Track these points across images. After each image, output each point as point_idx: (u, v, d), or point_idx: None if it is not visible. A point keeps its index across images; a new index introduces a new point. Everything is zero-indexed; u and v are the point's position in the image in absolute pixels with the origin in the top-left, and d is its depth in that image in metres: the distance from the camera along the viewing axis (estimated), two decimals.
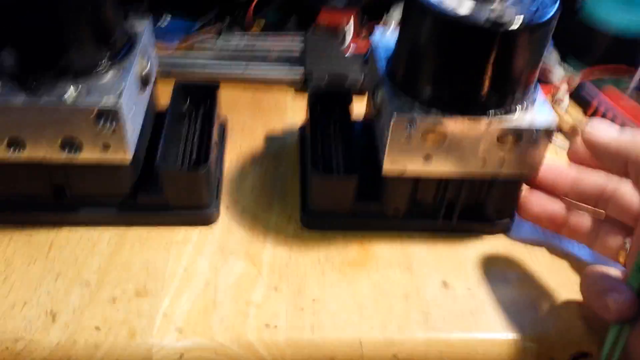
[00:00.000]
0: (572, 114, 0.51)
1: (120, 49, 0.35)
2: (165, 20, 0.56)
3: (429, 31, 0.32)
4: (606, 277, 0.32)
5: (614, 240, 0.35)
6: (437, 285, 0.36)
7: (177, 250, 0.37)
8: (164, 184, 0.36)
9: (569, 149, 0.37)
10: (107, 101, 0.31)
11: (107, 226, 0.37)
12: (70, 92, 0.31)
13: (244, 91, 0.51)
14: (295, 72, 0.51)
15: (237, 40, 0.53)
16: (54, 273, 0.35)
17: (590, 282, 0.32)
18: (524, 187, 0.38)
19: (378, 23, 0.58)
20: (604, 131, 0.33)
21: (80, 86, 0.32)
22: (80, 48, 0.33)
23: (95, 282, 0.34)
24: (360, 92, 0.49)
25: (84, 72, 0.33)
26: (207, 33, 0.54)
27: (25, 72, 0.32)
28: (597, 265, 0.33)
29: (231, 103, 0.49)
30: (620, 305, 0.30)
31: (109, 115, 0.32)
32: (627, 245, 0.34)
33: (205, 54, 0.52)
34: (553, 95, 0.52)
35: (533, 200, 0.37)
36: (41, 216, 0.37)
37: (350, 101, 0.43)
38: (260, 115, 0.49)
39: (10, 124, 0.32)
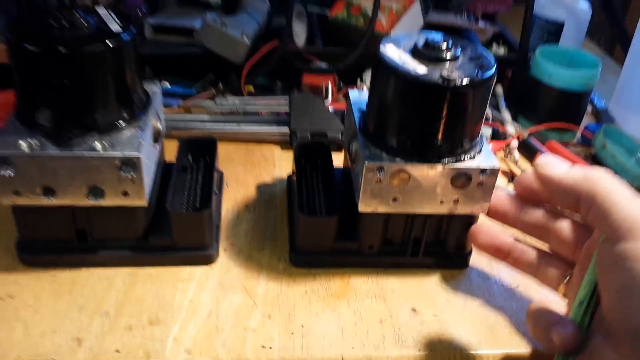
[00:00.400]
0: (521, 165, 0.59)
1: (138, 109, 0.41)
2: (165, 85, 0.63)
3: (393, 88, 0.39)
4: (549, 312, 0.34)
5: (555, 272, 0.38)
6: (407, 311, 0.42)
7: (183, 286, 0.42)
8: (173, 225, 0.42)
9: (516, 179, 0.41)
10: (130, 152, 0.38)
11: (121, 266, 0.43)
12: (98, 145, 0.38)
13: (237, 147, 0.58)
14: (282, 129, 0.58)
15: (230, 102, 0.60)
16: (77, 306, 0.40)
17: (535, 317, 0.35)
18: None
19: (353, 86, 0.66)
20: (556, 166, 0.36)
21: (105, 141, 0.38)
22: (105, 109, 0.39)
23: (113, 313, 0.40)
24: (340, 144, 0.57)
25: (107, 129, 0.39)
26: (203, 96, 0.62)
27: (58, 130, 0.38)
28: (541, 300, 0.36)
29: (226, 157, 0.56)
30: (564, 338, 0.32)
31: (131, 165, 0.38)
32: (567, 280, 0.37)
33: (203, 115, 0.59)
34: (506, 149, 0.59)
35: (482, 231, 0.41)
36: (64, 258, 0.43)
37: (330, 153, 0.49)
38: (252, 167, 0.56)
39: (46, 173, 0.38)
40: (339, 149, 0.58)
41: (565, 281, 0.38)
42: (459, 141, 0.40)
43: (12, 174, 0.37)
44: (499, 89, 0.70)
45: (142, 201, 0.40)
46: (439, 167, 0.39)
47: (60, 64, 0.37)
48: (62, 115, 0.38)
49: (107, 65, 0.38)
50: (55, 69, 0.37)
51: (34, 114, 0.39)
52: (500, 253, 0.41)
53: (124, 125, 0.40)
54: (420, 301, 0.43)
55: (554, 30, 0.78)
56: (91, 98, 0.38)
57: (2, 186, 0.38)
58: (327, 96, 0.63)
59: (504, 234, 0.41)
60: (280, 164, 0.57)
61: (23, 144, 0.37)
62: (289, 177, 0.53)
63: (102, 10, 0.40)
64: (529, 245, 0.41)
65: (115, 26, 0.39)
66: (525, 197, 0.40)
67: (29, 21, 0.39)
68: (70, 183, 0.38)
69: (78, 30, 0.38)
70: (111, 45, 0.37)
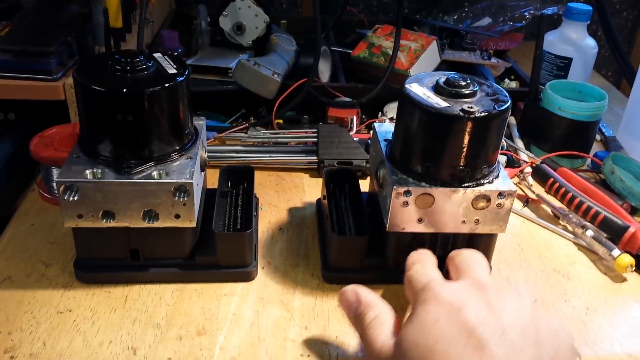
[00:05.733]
0: (534, 189, 0.62)
1: (189, 141, 0.46)
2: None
3: (418, 121, 0.43)
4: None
5: None
6: None
7: (226, 300, 0.46)
8: (217, 244, 0.46)
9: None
10: (184, 179, 0.42)
11: (170, 282, 0.47)
12: (155, 173, 0.42)
13: (269, 174, 0.63)
14: (310, 158, 0.63)
15: (262, 134, 0.65)
16: (131, 319, 0.44)
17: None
18: None
19: (374, 119, 0.71)
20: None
21: (160, 169, 0.43)
22: (161, 141, 0.44)
23: (164, 324, 0.44)
24: (364, 172, 0.61)
25: (162, 159, 0.44)
26: (237, 129, 0.67)
27: (118, 160, 0.43)
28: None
29: (259, 184, 0.61)
30: None
31: (183, 190, 0.42)
32: None
33: (237, 146, 0.64)
34: (520, 175, 0.63)
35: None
36: (118, 275, 0.47)
37: (357, 178, 0.54)
38: (283, 193, 0.60)
39: (107, 198, 0.42)
40: (363, 176, 0.62)
41: None
42: (478, 167, 0.44)
43: (77, 199, 0.42)
44: (512, 120, 0.74)
45: (191, 223, 0.44)
46: (461, 191, 0.43)
47: (124, 102, 0.41)
48: (123, 147, 0.43)
49: (164, 103, 0.43)
50: (119, 106, 0.41)
51: (97, 146, 0.43)
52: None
53: (176, 155, 0.44)
54: None
55: (562, 66, 0.82)
56: (149, 132, 0.43)
57: (67, 210, 0.42)
58: (351, 128, 0.68)
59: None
60: (309, 190, 0.61)
61: (88, 173, 0.42)
62: (319, 200, 0.57)
63: (158, 55, 0.45)
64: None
65: (171, 69, 0.44)
66: None
67: (95, 64, 0.44)
68: (128, 207, 0.43)
69: (139, 73, 0.43)
70: (168, 86, 0.42)
